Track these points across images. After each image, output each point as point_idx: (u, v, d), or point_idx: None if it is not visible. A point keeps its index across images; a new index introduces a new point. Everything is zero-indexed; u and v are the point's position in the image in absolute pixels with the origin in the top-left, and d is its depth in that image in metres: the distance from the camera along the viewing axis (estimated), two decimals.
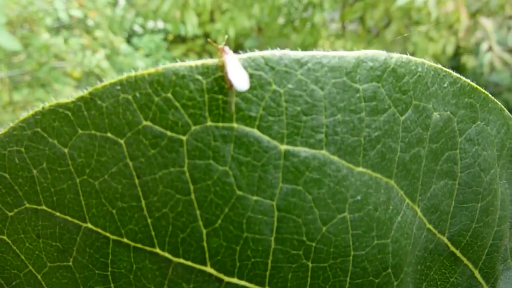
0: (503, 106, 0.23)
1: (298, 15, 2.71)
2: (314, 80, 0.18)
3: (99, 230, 0.19)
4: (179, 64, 0.18)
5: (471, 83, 0.22)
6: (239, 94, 0.17)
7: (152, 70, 0.18)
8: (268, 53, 0.18)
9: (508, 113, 0.23)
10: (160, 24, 3.00)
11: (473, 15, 2.56)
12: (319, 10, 2.45)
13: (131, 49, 2.48)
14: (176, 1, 1.83)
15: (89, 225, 0.19)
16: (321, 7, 2.44)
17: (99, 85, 0.18)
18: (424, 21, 2.30)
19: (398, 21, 2.50)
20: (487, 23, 2.08)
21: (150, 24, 3.18)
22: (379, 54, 0.19)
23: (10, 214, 0.21)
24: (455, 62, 3.17)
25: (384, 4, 2.48)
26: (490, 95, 0.22)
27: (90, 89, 0.18)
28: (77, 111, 0.18)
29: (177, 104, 0.17)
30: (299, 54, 0.18)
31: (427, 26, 2.32)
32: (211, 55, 3.61)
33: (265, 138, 0.18)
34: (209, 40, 0.25)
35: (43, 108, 0.19)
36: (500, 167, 0.24)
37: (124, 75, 0.18)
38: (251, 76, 0.18)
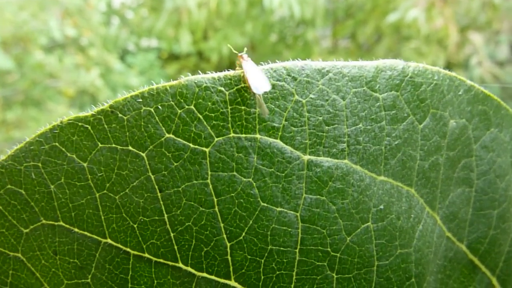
0: None
1: (291, 32, 2.75)
2: (335, 90, 0.18)
3: (119, 246, 0.19)
4: (201, 76, 0.18)
5: (484, 90, 0.22)
6: (261, 105, 0.17)
7: (174, 82, 0.18)
8: (290, 63, 0.18)
9: None
10: (154, 43, 3.02)
11: (462, 30, 2.62)
12: (311, 27, 2.49)
13: (125, 67, 2.48)
14: (170, 19, 1.85)
15: (109, 241, 0.19)
16: (313, 24, 2.48)
17: (119, 98, 0.18)
18: (414, 37, 2.35)
19: (388, 37, 2.54)
20: (476, 38, 2.13)
21: (144, 42, 3.20)
22: (397, 63, 0.19)
23: (26, 231, 0.20)
24: None
25: (375, 20, 2.53)
26: (502, 102, 0.22)
27: (110, 102, 0.18)
28: (97, 124, 0.18)
29: (200, 116, 0.17)
30: (320, 64, 0.18)
31: (417, 41, 2.36)
32: (205, 73, 3.62)
33: (288, 148, 0.18)
34: (229, 45, 0.25)
35: (61, 122, 0.19)
36: None
37: (146, 88, 0.18)
38: (273, 86, 0.18)
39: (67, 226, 0.19)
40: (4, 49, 1.68)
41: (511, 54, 3.65)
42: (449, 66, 2.90)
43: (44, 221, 0.20)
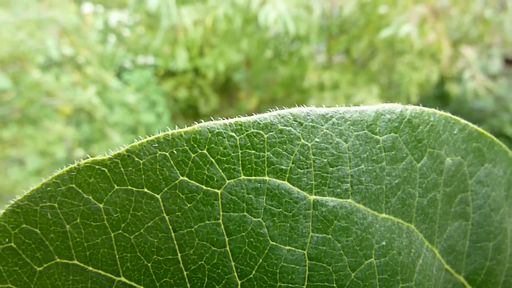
0: (507, 148, 0.25)
1: (286, 48, 2.79)
2: (338, 133, 0.19)
3: (133, 284, 0.19)
4: (213, 123, 0.19)
5: (478, 128, 0.23)
6: (270, 148, 0.19)
7: (188, 128, 0.19)
8: (296, 110, 0.19)
9: None
10: (150, 60, 3.05)
11: (455, 44, 2.67)
12: (305, 43, 2.53)
13: (122, 84, 2.50)
14: (167, 37, 1.88)
15: (123, 279, 0.19)
16: (308, 40, 2.52)
17: (135, 143, 0.19)
18: (408, 51, 2.39)
19: (382, 52, 2.59)
20: (468, 52, 2.17)
21: (140, 59, 3.23)
22: (395, 107, 0.20)
23: (39, 269, 0.21)
24: (440, 89, 3.27)
25: (368, 36, 2.57)
26: (495, 139, 0.24)
27: (127, 146, 0.19)
28: (114, 167, 0.19)
29: (213, 159, 0.18)
30: (324, 110, 0.19)
31: (410, 56, 2.40)
32: (201, 89, 3.65)
33: (295, 189, 0.19)
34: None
35: (78, 165, 0.20)
36: (508, 206, 0.25)
37: (161, 133, 0.19)
38: (281, 131, 0.19)
39: (82, 264, 0.20)
40: (1, 68, 1.69)
41: (503, 67, 3.72)
42: (442, 79, 2.95)
43: (58, 260, 0.20)
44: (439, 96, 3.52)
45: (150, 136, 0.19)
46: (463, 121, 0.23)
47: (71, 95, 1.84)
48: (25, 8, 1.82)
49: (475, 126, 0.23)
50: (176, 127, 0.19)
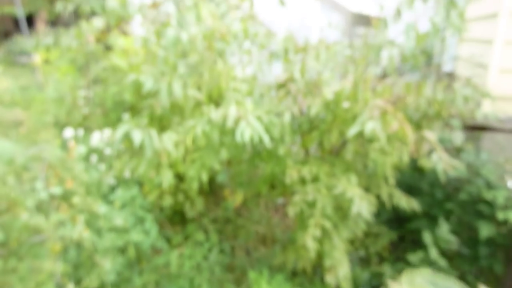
0: None
1: (263, 148, 2.93)
2: None
3: None
4: None
5: None
6: None
7: None
8: None
9: None
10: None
11: (417, 125, 2.88)
12: (281, 143, 2.68)
13: (108, 206, 2.53)
14: (151, 162, 1.97)
15: None
16: (282, 141, 2.68)
17: None
18: (376, 139, 2.55)
19: (353, 141, 2.75)
20: (430, 135, 2.35)
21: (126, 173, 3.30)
22: None
23: None
24: (414, 163, 3.43)
25: (337, 128, 2.76)
26: None
27: None
28: None
29: None
30: None
31: (379, 143, 2.56)
32: (185, 193, 3.70)
33: None
34: None
35: None
36: None
37: None
38: None
39: None
40: None
41: (467, 133, 3.98)
42: (413, 160, 3.12)
43: None
44: (415, 169, 3.69)
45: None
46: None
47: (61, 232, 1.86)
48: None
49: None
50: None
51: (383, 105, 2.31)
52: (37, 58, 5.27)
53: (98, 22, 3.24)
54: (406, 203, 2.97)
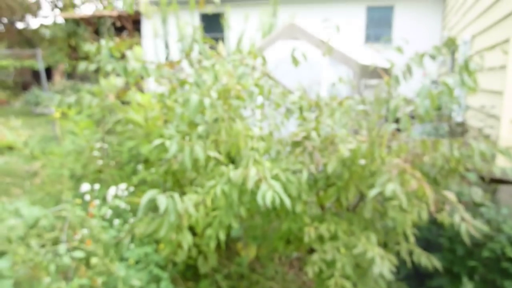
0: None
1: (279, 206, 2.91)
2: None
3: None
4: None
5: None
6: None
7: None
8: None
9: None
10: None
11: (435, 182, 2.86)
12: (298, 201, 2.67)
13: (124, 266, 2.51)
14: (172, 224, 1.98)
15: None
16: (300, 198, 2.67)
17: None
18: (395, 197, 2.53)
19: (371, 199, 2.74)
20: (450, 195, 2.33)
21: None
22: None
23: None
24: (432, 217, 3.37)
25: (354, 185, 2.75)
26: None
27: None
28: None
29: None
30: None
31: (398, 201, 2.54)
32: (198, 247, 3.65)
33: None
34: None
35: None
36: None
37: None
38: None
39: None
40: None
41: (487, 185, 3.94)
42: (436, 221, 3.07)
43: None
44: (434, 223, 3.62)
45: None
46: None
47: None
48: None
49: None
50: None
51: (401, 164, 2.32)
52: (55, 111, 5.44)
53: (118, 81, 3.37)
54: (427, 260, 2.89)
